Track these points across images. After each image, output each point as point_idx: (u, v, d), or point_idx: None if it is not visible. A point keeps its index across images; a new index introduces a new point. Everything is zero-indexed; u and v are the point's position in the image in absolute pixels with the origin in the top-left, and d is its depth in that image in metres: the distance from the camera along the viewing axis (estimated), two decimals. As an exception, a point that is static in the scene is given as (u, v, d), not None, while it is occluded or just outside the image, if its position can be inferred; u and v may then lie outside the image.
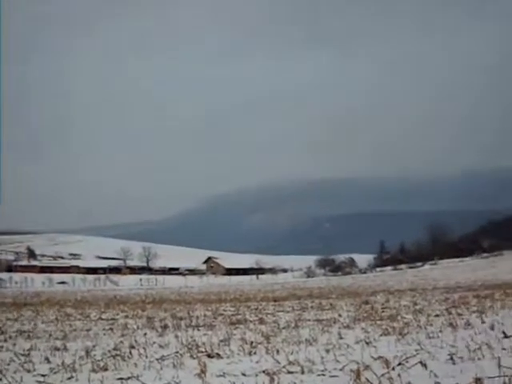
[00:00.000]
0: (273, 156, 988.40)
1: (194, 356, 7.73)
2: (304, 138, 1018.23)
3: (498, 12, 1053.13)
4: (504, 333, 8.19)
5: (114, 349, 8.64)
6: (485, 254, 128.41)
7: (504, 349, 7.07)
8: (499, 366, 5.85)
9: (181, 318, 14.42)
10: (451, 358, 6.63)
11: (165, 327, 12.13)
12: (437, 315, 12.14)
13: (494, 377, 5.58)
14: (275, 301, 24.54)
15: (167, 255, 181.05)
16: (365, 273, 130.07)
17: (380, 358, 6.72)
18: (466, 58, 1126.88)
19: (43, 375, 6.77)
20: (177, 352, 7.96)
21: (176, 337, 10.03)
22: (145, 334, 10.96)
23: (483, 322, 10.13)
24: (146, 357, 7.81)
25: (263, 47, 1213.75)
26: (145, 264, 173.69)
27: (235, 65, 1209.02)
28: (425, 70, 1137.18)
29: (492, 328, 9.11)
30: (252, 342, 8.71)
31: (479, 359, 6.54)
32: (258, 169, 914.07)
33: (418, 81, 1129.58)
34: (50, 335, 11.16)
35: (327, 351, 7.62)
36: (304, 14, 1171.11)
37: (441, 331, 9.17)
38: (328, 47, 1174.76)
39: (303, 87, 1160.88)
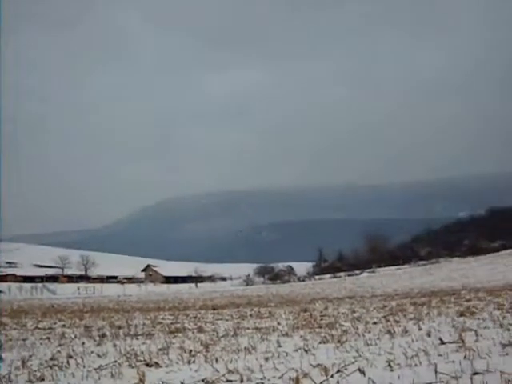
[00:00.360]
0: (214, 164, 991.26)
1: (133, 365, 7.68)
2: (247, 146, 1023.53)
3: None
4: (440, 339, 8.28)
5: (51, 359, 8.54)
6: (422, 262, 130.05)
7: (440, 355, 7.15)
8: (436, 372, 5.93)
9: (119, 327, 14.31)
10: (389, 365, 6.68)
11: (103, 336, 12.02)
12: (375, 322, 12.22)
13: (430, 383, 5.65)
14: (214, 309, 24.50)
15: (105, 263, 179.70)
16: (303, 281, 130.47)
17: (319, 365, 6.75)
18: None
19: (-22, 386, 6.67)
20: (115, 361, 7.90)
21: (114, 346, 9.95)
22: (83, 343, 10.84)
23: (420, 329, 10.24)
24: (84, 366, 7.73)
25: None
26: (83, 272, 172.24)
27: (182, 77, 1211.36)
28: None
29: (429, 335, 9.21)
30: (191, 351, 8.68)
31: (416, 366, 6.60)
32: (199, 176, 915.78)
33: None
34: (-15, 345, 10.96)
35: (266, 359, 7.62)
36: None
37: (379, 338, 9.24)
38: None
39: (245, 99, 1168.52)
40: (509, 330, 9.17)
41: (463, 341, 7.96)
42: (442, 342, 8.09)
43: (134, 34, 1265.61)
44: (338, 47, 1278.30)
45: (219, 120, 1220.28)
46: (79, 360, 8.23)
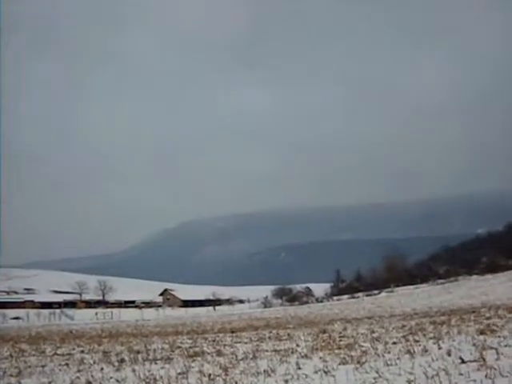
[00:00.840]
0: (228, 188, 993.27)
1: (152, 390, 7.66)
2: (259, 168, 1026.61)
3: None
4: (461, 358, 8.23)
5: (71, 385, 8.52)
6: (440, 281, 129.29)
7: (461, 374, 7.11)
8: (457, 391, 5.89)
9: (138, 352, 14.27)
10: (409, 385, 6.65)
11: (122, 361, 11.98)
12: (394, 342, 12.15)
13: (452, 403, 5.62)
14: (233, 332, 24.45)
15: (123, 288, 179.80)
16: (321, 302, 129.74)
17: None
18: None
19: (-3, 414, 6.66)
20: (134, 387, 7.88)
21: (133, 371, 9.92)
22: (101, 368, 10.82)
23: (440, 348, 10.17)
24: (103, 392, 7.71)
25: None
26: (100, 297, 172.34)
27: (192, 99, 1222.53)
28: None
29: (449, 354, 9.15)
30: (210, 375, 8.65)
31: (437, 385, 6.57)
32: (213, 200, 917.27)
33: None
34: (5, 372, 10.96)
35: (286, 382, 7.59)
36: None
37: (398, 358, 9.18)
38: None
39: (257, 120, 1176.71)
40: (530, 347, 9.11)
41: (484, 359, 7.90)
42: (463, 361, 8.04)
43: (143, 53, 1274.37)
44: (349, 72, 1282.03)
45: (232, 142, 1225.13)
46: (98, 386, 8.22)
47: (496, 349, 9.02)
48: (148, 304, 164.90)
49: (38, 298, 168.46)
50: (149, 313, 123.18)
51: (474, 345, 10.14)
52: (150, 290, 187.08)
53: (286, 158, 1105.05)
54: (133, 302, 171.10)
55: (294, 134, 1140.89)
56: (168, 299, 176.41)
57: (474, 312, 26.35)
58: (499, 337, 11.40)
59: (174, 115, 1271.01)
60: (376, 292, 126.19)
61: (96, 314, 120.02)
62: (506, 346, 9.72)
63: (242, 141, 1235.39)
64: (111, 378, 9.19)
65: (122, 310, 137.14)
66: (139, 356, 13.01)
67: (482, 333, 12.63)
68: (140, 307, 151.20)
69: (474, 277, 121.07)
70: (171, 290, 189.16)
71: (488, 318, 18.93)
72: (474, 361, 7.98)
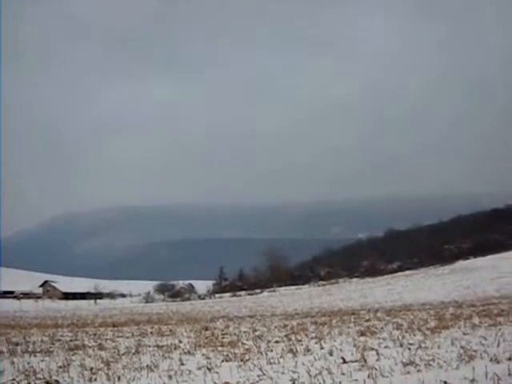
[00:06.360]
0: (110, 180, 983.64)
1: (32, 383, 7.49)
2: (148, 161, 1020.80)
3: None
4: (343, 358, 8.37)
5: None
6: (321, 282, 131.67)
7: (343, 374, 7.23)
8: (340, 390, 5.99)
9: (16, 344, 13.92)
10: (293, 383, 6.71)
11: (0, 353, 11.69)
12: (277, 341, 12.24)
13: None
14: (114, 326, 24.23)
15: (2, 278, 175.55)
16: (204, 299, 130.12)
17: (224, 383, 6.73)
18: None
19: None
20: (13, 379, 7.69)
21: (12, 363, 9.67)
22: (-22, 360, 10.52)
23: (322, 348, 10.31)
24: (-20, 385, 7.50)
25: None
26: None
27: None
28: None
29: (331, 354, 9.29)
30: (92, 368, 8.53)
31: (320, 384, 6.65)
32: (95, 193, 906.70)
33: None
34: None
35: (170, 377, 7.56)
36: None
37: (281, 357, 9.25)
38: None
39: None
40: (409, 349, 9.33)
41: (365, 360, 8.06)
42: (345, 361, 8.17)
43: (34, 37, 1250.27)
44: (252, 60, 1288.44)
45: (123, 133, 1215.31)
46: (-25, 378, 7.99)
47: (376, 350, 9.22)
48: (27, 295, 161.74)
49: None
50: (28, 304, 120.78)
51: (354, 346, 10.33)
52: (29, 280, 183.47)
53: (181, 151, 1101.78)
54: (12, 292, 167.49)
55: (190, 130, 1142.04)
56: (48, 291, 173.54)
57: (353, 314, 26.88)
58: (379, 338, 11.66)
59: (65, 100, 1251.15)
60: (258, 291, 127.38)
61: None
62: (385, 347, 9.94)
63: (132, 133, 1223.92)
64: (-11, 370, 8.94)
65: (0, 300, 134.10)
66: (18, 348, 12.71)
67: (362, 334, 12.89)
68: (19, 298, 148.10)
69: (355, 280, 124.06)
70: (52, 281, 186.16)
71: (367, 320, 19.32)
72: (356, 361, 8.13)
